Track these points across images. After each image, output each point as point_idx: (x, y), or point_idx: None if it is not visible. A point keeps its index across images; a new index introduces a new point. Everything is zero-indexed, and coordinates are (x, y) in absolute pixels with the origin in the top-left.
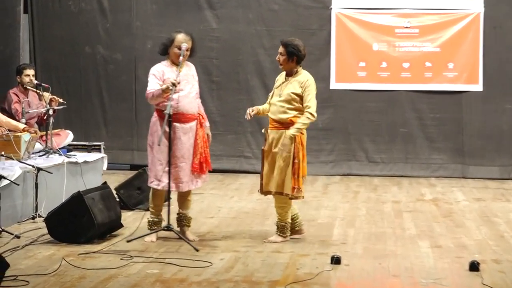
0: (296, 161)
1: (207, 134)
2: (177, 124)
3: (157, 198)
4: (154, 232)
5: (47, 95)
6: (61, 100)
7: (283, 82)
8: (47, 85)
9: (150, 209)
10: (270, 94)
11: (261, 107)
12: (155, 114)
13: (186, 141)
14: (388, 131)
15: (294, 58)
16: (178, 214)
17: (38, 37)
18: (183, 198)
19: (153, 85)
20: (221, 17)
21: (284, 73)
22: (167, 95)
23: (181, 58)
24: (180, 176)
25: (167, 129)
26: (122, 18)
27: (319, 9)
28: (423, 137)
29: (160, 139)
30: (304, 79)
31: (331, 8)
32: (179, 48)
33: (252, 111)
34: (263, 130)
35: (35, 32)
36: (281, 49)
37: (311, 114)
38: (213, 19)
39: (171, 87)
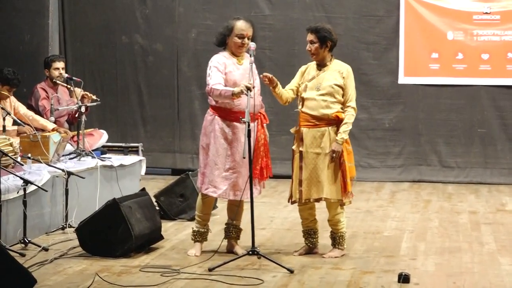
0: (341, 161)
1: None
2: (237, 124)
3: (206, 206)
4: (236, 258)
5: (78, 91)
6: (94, 97)
7: (317, 74)
8: (78, 79)
9: (196, 217)
10: (299, 88)
11: (280, 87)
12: (210, 111)
13: (245, 143)
14: (464, 132)
15: (328, 44)
16: (227, 224)
17: (69, 25)
18: (235, 207)
19: (218, 79)
20: (275, 2)
21: (312, 64)
22: (236, 99)
23: (252, 58)
24: (239, 183)
25: (242, 138)
26: (163, 4)
27: None
28: (505, 139)
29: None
30: (344, 68)
31: None
32: (240, 37)
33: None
34: (292, 130)
35: (65, 20)
36: (311, 37)
37: (354, 109)
38: (266, 4)
39: (245, 92)
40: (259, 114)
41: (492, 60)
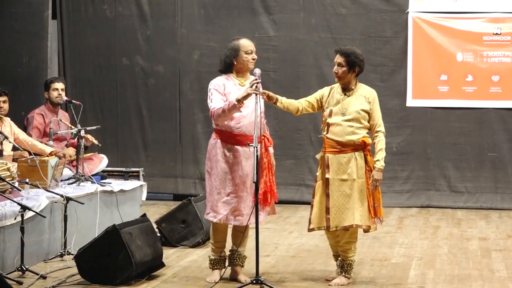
0: (368, 186)
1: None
2: (238, 147)
3: (219, 233)
4: (240, 287)
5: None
6: (95, 142)
7: (342, 99)
8: (78, 102)
9: (211, 245)
10: (324, 113)
11: (284, 99)
12: (213, 135)
13: (248, 167)
14: (474, 156)
15: (356, 70)
16: (231, 251)
17: (69, 46)
18: (239, 233)
19: (218, 101)
20: (280, 23)
21: (336, 87)
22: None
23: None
24: (240, 208)
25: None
26: (165, 25)
27: (394, 13)
28: None
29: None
30: (370, 92)
31: (407, 12)
32: (249, 53)
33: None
34: (318, 156)
35: (65, 41)
36: (339, 59)
37: (384, 133)
38: (270, 25)
39: (251, 92)
40: (262, 137)
41: (502, 82)
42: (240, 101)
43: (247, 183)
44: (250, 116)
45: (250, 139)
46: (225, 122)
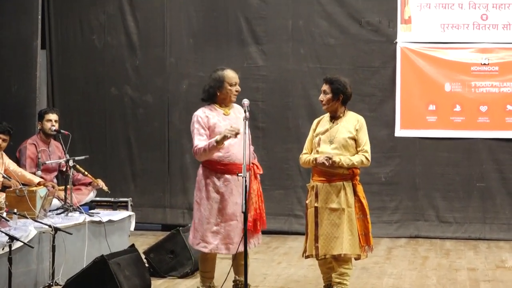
0: (361, 216)
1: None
2: (228, 176)
3: (208, 262)
4: None
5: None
6: (105, 188)
7: (330, 127)
8: (66, 132)
9: (200, 275)
10: (313, 141)
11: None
12: (203, 165)
13: (237, 196)
14: (463, 186)
15: (340, 97)
16: (234, 282)
17: (58, 76)
18: (239, 261)
19: (200, 138)
20: (268, 53)
21: (325, 116)
22: (221, 146)
23: (247, 114)
24: (231, 236)
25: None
26: (153, 55)
27: (382, 43)
28: (504, 193)
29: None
30: (356, 119)
31: (396, 42)
32: (233, 85)
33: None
34: (308, 185)
35: (54, 71)
36: (324, 87)
37: (367, 158)
38: (259, 55)
39: (229, 135)
40: (252, 164)
41: (490, 112)
42: (219, 143)
43: (237, 211)
44: (238, 145)
45: (240, 168)
46: (220, 154)
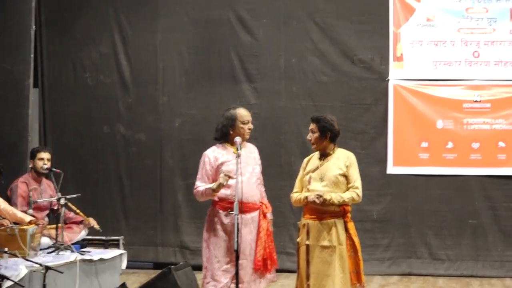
0: (352, 254)
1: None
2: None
3: None
4: None
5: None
6: (97, 227)
7: (320, 165)
8: (58, 171)
9: None
10: (304, 179)
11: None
12: (212, 204)
13: (247, 234)
14: (455, 223)
15: (327, 135)
16: None
17: (50, 115)
18: None
19: (201, 180)
20: (261, 91)
21: (315, 154)
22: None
23: (240, 151)
24: (241, 276)
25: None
26: (146, 93)
27: (375, 80)
28: (497, 230)
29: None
30: (346, 156)
31: (388, 80)
32: (246, 123)
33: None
34: (299, 223)
35: (46, 109)
36: (312, 126)
37: (358, 195)
38: (252, 93)
39: (224, 182)
40: (260, 203)
41: (482, 149)
42: (215, 191)
43: (246, 250)
44: (246, 183)
45: (248, 206)
46: (222, 191)
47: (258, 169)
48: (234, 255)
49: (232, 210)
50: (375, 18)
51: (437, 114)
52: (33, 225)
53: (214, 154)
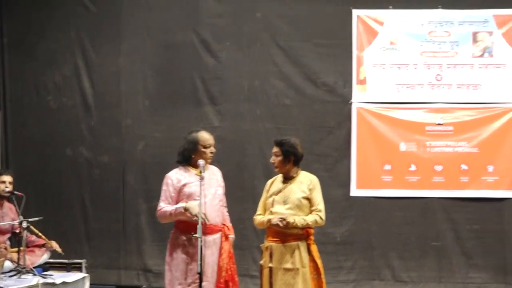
0: (315, 276)
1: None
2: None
3: None
4: None
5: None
6: (59, 250)
7: (283, 187)
8: (20, 194)
9: None
10: (267, 202)
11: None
12: (174, 226)
13: (209, 256)
14: (418, 245)
15: (291, 159)
16: None
17: (12, 137)
18: None
19: (166, 203)
20: (224, 114)
21: (279, 177)
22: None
23: (203, 174)
24: None
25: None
26: (109, 115)
27: (338, 103)
28: (459, 252)
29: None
30: (309, 179)
31: (351, 103)
32: (208, 147)
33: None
34: (262, 245)
35: (8, 131)
36: (275, 149)
37: (321, 218)
38: (215, 115)
39: (194, 219)
40: (222, 226)
41: (445, 171)
42: (186, 210)
43: (208, 272)
44: (209, 205)
45: (210, 228)
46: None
47: (220, 191)
48: (196, 277)
49: (195, 232)
50: (338, 41)
51: (400, 137)
52: None
53: (177, 176)
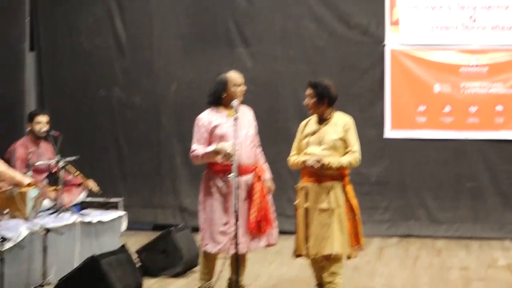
0: (351, 216)
1: (269, 188)
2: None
3: (210, 261)
4: None
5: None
6: (96, 189)
7: (318, 129)
8: (56, 133)
9: (200, 274)
10: (301, 143)
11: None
12: (207, 168)
13: (241, 196)
14: (453, 186)
15: (325, 100)
16: (229, 280)
17: (46, 78)
18: (239, 262)
19: (199, 144)
20: (257, 55)
21: (313, 118)
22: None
23: (237, 114)
24: (238, 236)
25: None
26: (142, 57)
27: (371, 45)
28: (495, 193)
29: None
30: (345, 120)
31: (384, 45)
32: (239, 85)
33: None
34: (297, 186)
35: (42, 73)
36: (309, 91)
37: (356, 159)
38: (248, 57)
39: (223, 159)
40: (254, 166)
41: (479, 113)
42: (217, 153)
43: (241, 212)
44: (240, 146)
45: (242, 169)
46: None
47: (252, 131)
48: (230, 216)
49: (229, 173)
50: None
51: (434, 78)
52: (32, 187)
53: (208, 118)
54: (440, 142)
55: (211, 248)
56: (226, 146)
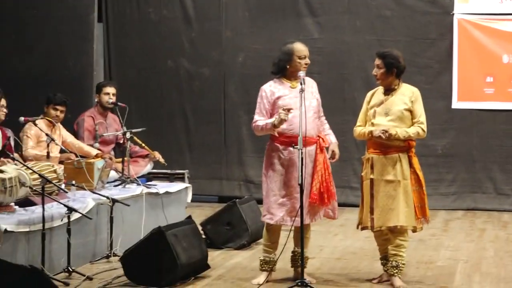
0: (417, 188)
1: (333, 151)
2: (292, 149)
3: (272, 234)
4: None
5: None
6: (162, 160)
7: (385, 99)
8: (123, 105)
9: (263, 246)
10: (368, 114)
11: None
12: (270, 138)
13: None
14: None
15: (393, 71)
16: (293, 252)
17: (114, 49)
18: (301, 233)
19: (260, 116)
20: (324, 25)
21: (379, 89)
22: (278, 128)
23: (303, 86)
24: (297, 208)
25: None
26: (209, 28)
27: (439, 15)
28: None
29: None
30: (412, 91)
31: (453, 14)
32: (303, 58)
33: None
34: (363, 157)
35: (110, 44)
36: (377, 61)
37: (423, 130)
38: (315, 27)
39: (284, 117)
40: (317, 137)
41: None
42: (276, 126)
43: (304, 183)
44: (304, 117)
45: (305, 140)
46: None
47: (315, 103)
48: (290, 189)
49: (294, 145)
50: None
51: (502, 49)
52: (99, 158)
53: (271, 89)
54: (508, 114)
55: (269, 219)
56: (282, 115)
